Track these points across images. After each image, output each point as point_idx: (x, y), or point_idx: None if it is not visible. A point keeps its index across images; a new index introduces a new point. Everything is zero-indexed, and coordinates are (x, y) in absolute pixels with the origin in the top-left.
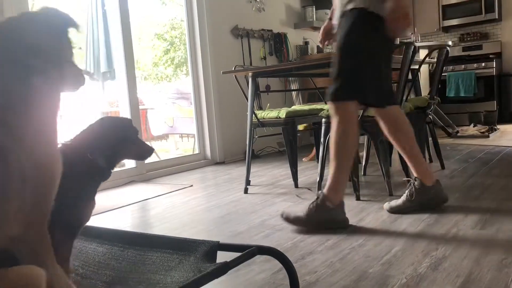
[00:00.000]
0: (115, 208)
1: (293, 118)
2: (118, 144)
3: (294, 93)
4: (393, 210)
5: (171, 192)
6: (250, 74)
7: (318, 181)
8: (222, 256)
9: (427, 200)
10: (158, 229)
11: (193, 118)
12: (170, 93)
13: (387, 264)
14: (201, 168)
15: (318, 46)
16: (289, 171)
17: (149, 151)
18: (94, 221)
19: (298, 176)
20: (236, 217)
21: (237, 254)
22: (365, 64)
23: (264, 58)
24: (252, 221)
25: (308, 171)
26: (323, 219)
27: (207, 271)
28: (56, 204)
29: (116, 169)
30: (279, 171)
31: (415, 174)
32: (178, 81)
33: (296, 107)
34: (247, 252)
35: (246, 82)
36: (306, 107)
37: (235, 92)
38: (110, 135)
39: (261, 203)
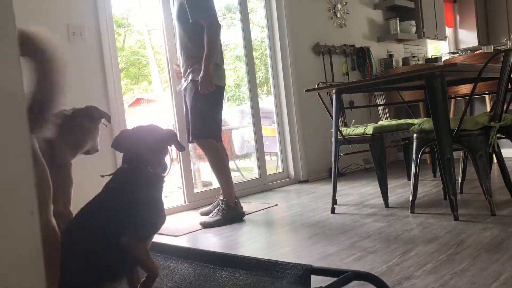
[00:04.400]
0: (203, 228)
1: (381, 134)
2: (163, 151)
3: (380, 108)
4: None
5: (257, 211)
6: (334, 90)
7: (411, 200)
8: (315, 280)
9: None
10: (247, 249)
11: (276, 136)
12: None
13: None
14: (285, 186)
15: (403, 59)
16: (377, 190)
17: (183, 147)
18: (184, 241)
19: (389, 195)
20: (325, 238)
21: (331, 279)
22: None
23: (347, 73)
24: (341, 243)
25: (399, 189)
26: (235, 214)
27: None
28: (131, 216)
29: (203, 189)
30: (367, 189)
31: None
32: (259, 101)
33: (384, 122)
34: (343, 277)
35: (329, 99)
36: (394, 122)
37: (317, 109)
38: (158, 145)
39: (350, 223)
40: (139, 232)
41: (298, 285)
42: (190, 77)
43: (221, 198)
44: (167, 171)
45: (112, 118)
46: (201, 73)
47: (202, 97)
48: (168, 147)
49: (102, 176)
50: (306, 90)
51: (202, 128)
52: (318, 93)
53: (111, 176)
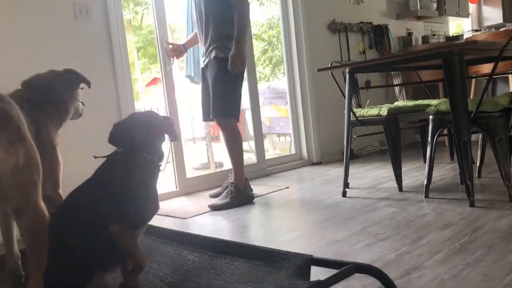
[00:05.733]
0: (212, 210)
1: (395, 116)
2: (161, 137)
3: (396, 88)
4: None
5: (266, 194)
6: (347, 70)
7: (426, 184)
8: (316, 271)
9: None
10: (254, 232)
11: (289, 117)
12: (268, 93)
13: (510, 286)
14: (297, 168)
15: (423, 37)
16: (392, 173)
17: (177, 137)
18: (192, 223)
19: (403, 179)
20: (334, 223)
21: (332, 271)
22: None
23: (364, 52)
24: (351, 228)
25: (415, 172)
26: (245, 197)
27: None
28: (123, 202)
29: (215, 171)
30: (381, 172)
31: None
32: (276, 80)
33: (399, 103)
34: (344, 270)
35: (344, 79)
36: (410, 103)
37: (332, 89)
38: (154, 131)
39: (361, 208)
40: (128, 220)
41: (297, 276)
42: (213, 54)
43: (231, 180)
44: (163, 159)
45: (121, 99)
46: (232, 51)
47: (225, 75)
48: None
49: (96, 157)
50: (318, 70)
51: (223, 106)
52: (331, 72)
53: (105, 159)
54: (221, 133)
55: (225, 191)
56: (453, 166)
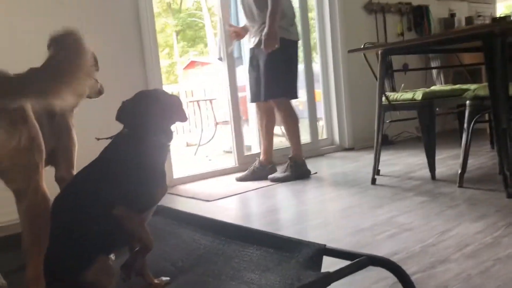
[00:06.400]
0: (238, 193)
1: (430, 100)
2: (169, 117)
3: (434, 72)
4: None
5: (295, 179)
6: (380, 51)
7: (460, 173)
8: (329, 261)
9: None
10: (275, 218)
11: (321, 101)
12: (302, 76)
13: None
14: (329, 154)
15: (467, 18)
16: (426, 160)
17: (186, 118)
18: (214, 207)
19: (437, 167)
20: (360, 211)
21: (345, 262)
22: None
23: (402, 34)
24: (377, 217)
25: (450, 161)
26: (303, 171)
27: (304, 283)
28: (128, 185)
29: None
30: (415, 160)
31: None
32: (313, 63)
33: (436, 87)
34: (356, 262)
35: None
36: (447, 87)
37: (366, 73)
38: (162, 111)
39: (390, 196)
40: (133, 203)
41: (306, 267)
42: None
43: (290, 155)
44: (171, 140)
45: (148, 80)
46: (266, 30)
47: (278, 53)
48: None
49: (98, 139)
50: (349, 51)
51: (276, 86)
52: (364, 54)
53: (110, 140)
54: (276, 113)
55: (285, 165)
56: (492, 155)
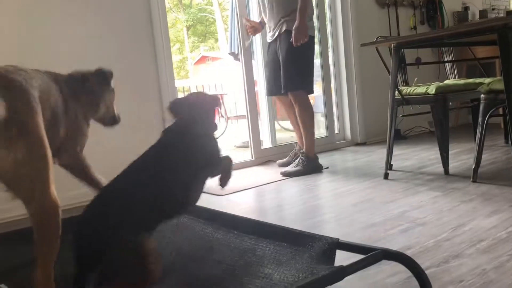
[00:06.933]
0: (250, 188)
1: (444, 95)
2: (213, 114)
3: (447, 66)
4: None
5: (306, 174)
6: (392, 45)
7: (474, 168)
8: (342, 256)
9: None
10: (287, 213)
11: (333, 95)
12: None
13: None
14: (340, 148)
15: (481, 11)
16: (439, 155)
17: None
18: (226, 201)
19: (450, 161)
20: (372, 206)
21: (359, 256)
22: None
23: (415, 27)
24: (389, 212)
25: (464, 155)
26: (315, 166)
27: (318, 277)
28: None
29: (257, 149)
30: (428, 154)
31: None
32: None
33: (449, 81)
34: (370, 256)
35: (391, 56)
36: (461, 81)
37: (378, 67)
38: (206, 112)
39: (403, 191)
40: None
41: (319, 261)
42: (284, 27)
43: (302, 150)
44: (216, 131)
45: (160, 75)
46: (296, 24)
47: (298, 48)
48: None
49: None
50: (362, 44)
51: (296, 78)
52: (377, 48)
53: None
54: (294, 105)
55: (296, 160)
56: (506, 149)
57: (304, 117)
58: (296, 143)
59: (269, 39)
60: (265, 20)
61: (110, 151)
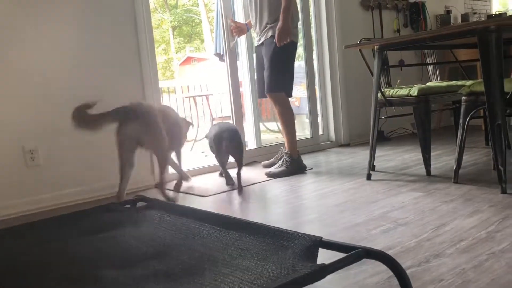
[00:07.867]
0: (232, 189)
1: (426, 96)
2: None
3: (430, 68)
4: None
5: (290, 174)
6: (376, 47)
7: (455, 169)
8: (325, 255)
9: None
10: (271, 213)
11: (317, 97)
12: (298, 73)
13: None
14: (324, 150)
15: (463, 15)
16: (421, 156)
17: None
18: (210, 202)
19: (432, 163)
20: (354, 206)
21: (341, 255)
22: None
23: (398, 30)
24: (371, 212)
25: (445, 156)
26: (299, 166)
27: (300, 275)
28: None
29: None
30: (410, 156)
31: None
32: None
33: (432, 83)
34: (351, 254)
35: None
36: (443, 83)
37: (362, 69)
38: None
39: (385, 191)
40: None
41: (302, 258)
42: (270, 33)
43: (285, 151)
44: None
45: (144, 76)
46: (279, 24)
47: (280, 52)
48: None
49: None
50: (346, 46)
51: (277, 81)
52: (360, 50)
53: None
54: (274, 107)
55: (280, 161)
56: (487, 151)
57: (285, 118)
58: (283, 144)
59: (256, 43)
60: (252, 23)
61: (102, 147)
